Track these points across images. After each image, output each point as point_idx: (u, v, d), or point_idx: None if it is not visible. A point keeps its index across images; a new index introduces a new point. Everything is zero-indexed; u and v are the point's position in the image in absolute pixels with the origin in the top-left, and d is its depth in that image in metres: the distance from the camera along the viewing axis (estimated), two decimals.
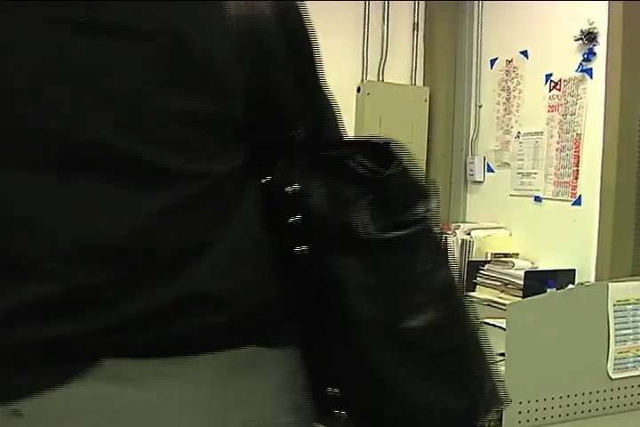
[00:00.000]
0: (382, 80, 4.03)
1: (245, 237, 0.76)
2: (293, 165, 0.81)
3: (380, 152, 0.83)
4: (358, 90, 3.96)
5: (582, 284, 2.97)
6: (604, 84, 3.18)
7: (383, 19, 4.05)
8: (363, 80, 3.99)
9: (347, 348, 0.78)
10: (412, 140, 3.93)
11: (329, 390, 0.79)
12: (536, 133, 3.55)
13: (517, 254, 3.58)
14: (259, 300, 0.75)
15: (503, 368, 1.56)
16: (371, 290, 0.77)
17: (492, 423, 1.54)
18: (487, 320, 2.76)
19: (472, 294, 3.40)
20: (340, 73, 3.96)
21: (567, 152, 3.36)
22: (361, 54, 4.01)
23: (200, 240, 0.71)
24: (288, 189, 0.79)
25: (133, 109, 0.67)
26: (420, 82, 4.17)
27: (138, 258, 0.67)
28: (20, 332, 0.62)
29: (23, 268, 0.63)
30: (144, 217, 0.67)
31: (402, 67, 4.12)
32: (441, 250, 0.86)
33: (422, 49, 4.18)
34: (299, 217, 0.78)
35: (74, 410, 0.64)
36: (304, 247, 0.78)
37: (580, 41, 3.25)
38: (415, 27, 4.15)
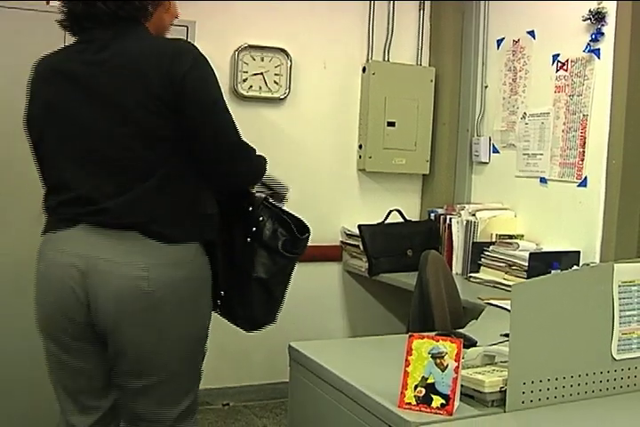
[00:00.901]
0: (388, 60, 4.01)
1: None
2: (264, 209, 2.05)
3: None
4: (364, 70, 3.94)
5: (587, 265, 2.96)
6: (611, 65, 3.15)
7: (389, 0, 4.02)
8: (368, 60, 3.97)
9: (240, 282, 2.02)
10: (417, 121, 3.91)
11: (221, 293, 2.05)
12: (542, 114, 3.52)
13: (522, 236, 3.58)
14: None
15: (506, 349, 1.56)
16: (265, 265, 2.02)
17: (494, 403, 1.55)
18: (491, 301, 2.78)
19: (476, 275, 3.40)
20: (345, 53, 3.95)
21: (573, 133, 3.34)
22: (367, 34, 3.99)
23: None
24: (261, 218, 2.02)
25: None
26: (425, 62, 4.15)
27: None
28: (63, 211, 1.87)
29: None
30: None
31: (408, 47, 4.09)
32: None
33: (428, 29, 4.16)
34: (254, 230, 2.01)
35: (69, 235, 1.85)
36: (249, 240, 2.01)
37: (588, 21, 3.23)
38: (421, 6, 4.12)
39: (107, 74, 1.81)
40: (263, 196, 2.05)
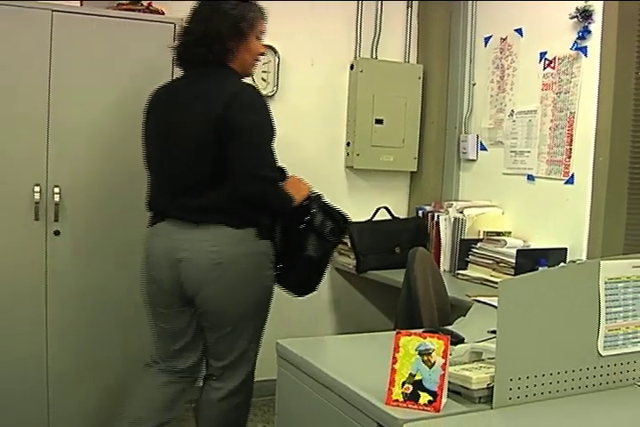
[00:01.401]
0: (376, 57, 4.01)
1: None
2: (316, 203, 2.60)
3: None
4: (352, 67, 3.94)
5: (574, 262, 2.97)
6: (598, 63, 3.17)
7: None
8: (356, 57, 3.97)
9: (294, 259, 2.55)
10: (405, 118, 3.92)
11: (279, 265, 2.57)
12: (530, 112, 3.54)
13: (510, 233, 3.59)
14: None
15: (493, 345, 1.57)
16: (313, 246, 2.52)
17: (482, 400, 1.56)
18: (479, 298, 2.79)
19: (464, 272, 3.41)
20: (333, 50, 3.95)
21: (560, 131, 3.35)
22: (354, 31, 3.99)
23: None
24: (313, 209, 2.56)
25: None
26: (413, 59, 4.15)
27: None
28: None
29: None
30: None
31: (395, 44, 4.09)
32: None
33: (416, 26, 4.16)
34: (307, 218, 2.54)
35: (161, 227, 2.51)
36: (303, 225, 2.54)
37: (576, 19, 3.24)
38: (409, 4, 4.12)
39: (183, 107, 2.45)
40: (316, 194, 2.63)
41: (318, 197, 2.63)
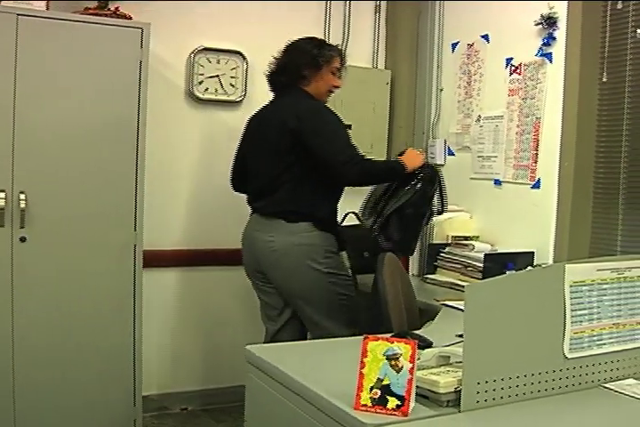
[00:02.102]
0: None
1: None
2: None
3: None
4: None
5: (540, 265, 3.00)
6: (563, 69, 3.21)
7: (345, 1, 4.03)
8: None
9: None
10: (373, 123, 3.93)
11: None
12: (496, 117, 3.57)
13: (477, 237, 3.62)
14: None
15: (461, 349, 1.58)
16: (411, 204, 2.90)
17: (449, 403, 1.56)
18: (447, 302, 2.80)
19: (432, 276, 3.43)
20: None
21: (527, 136, 3.39)
22: (323, 37, 3.98)
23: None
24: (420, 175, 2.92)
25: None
26: (381, 65, 4.18)
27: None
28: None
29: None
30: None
31: (364, 50, 4.12)
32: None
33: (384, 32, 4.18)
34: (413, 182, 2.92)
35: (250, 219, 3.12)
36: (408, 187, 2.93)
37: (541, 25, 3.28)
38: (377, 9, 4.15)
39: (266, 121, 3.03)
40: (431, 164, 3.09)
41: (431, 167, 3.01)
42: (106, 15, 3.13)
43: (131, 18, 3.22)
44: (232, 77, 3.76)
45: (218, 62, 3.73)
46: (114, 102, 3.05)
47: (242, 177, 3.19)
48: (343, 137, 2.84)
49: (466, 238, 3.55)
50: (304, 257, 2.89)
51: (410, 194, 2.90)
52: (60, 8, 3.10)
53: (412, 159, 2.93)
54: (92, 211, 3.04)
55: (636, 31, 2.95)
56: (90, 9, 3.13)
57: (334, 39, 3.99)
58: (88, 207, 3.04)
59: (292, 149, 2.86)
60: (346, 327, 2.95)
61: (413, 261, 3.65)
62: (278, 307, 3.12)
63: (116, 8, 3.19)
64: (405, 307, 2.66)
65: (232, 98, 3.76)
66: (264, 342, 3.11)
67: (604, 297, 1.82)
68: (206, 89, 3.71)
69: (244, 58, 3.76)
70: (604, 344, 1.81)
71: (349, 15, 4.05)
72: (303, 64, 2.97)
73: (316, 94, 3.01)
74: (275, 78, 3.07)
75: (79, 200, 3.03)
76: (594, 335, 1.80)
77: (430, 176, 2.93)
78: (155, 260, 3.50)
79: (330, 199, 3.02)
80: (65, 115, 2.99)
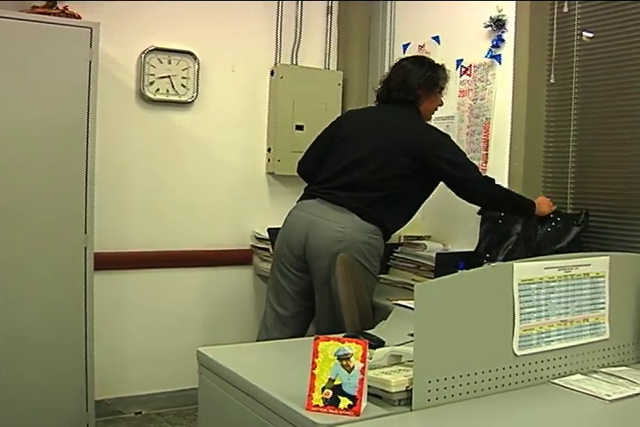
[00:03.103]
0: (296, 64, 4.03)
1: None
2: None
3: None
4: (272, 73, 3.95)
5: (489, 264, 3.04)
6: (511, 70, 3.26)
7: (297, 2, 4.04)
8: (276, 64, 3.98)
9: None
10: (325, 124, 3.93)
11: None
12: (447, 118, 3.60)
13: (429, 237, 3.65)
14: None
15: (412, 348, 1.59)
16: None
17: (401, 402, 1.57)
18: (400, 302, 2.81)
19: (385, 276, 3.45)
20: (253, 56, 3.95)
21: (477, 136, 3.43)
22: (275, 38, 4.00)
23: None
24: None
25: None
26: (333, 66, 4.19)
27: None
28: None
29: None
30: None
31: (315, 51, 4.12)
32: None
33: (336, 33, 4.19)
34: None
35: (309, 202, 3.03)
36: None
37: (490, 27, 3.32)
38: (329, 11, 4.16)
39: (385, 123, 3.03)
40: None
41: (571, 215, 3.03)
42: (54, 14, 3.08)
43: (80, 17, 3.18)
44: (183, 78, 3.73)
45: (169, 63, 3.70)
46: (63, 103, 3.01)
47: (318, 162, 3.15)
48: (465, 157, 3.00)
49: (418, 238, 3.58)
50: (363, 254, 2.91)
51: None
52: (6, 7, 3.04)
53: (544, 205, 3.00)
54: (41, 213, 3.00)
55: (582, 34, 3.00)
56: (37, 8, 3.09)
57: (286, 40, 4.01)
58: (37, 210, 2.99)
59: (409, 167, 2.93)
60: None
61: None
62: (295, 298, 3.07)
63: (65, 7, 3.15)
64: (358, 307, 2.67)
65: (183, 99, 3.74)
66: (266, 327, 3.12)
67: (552, 295, 1.85)
68: (157, 90, 3.68)
69: (196, 58, 3.74)
70: (553, 341, 1.85)
71: (301, 16, 4.05)
72: (418, 84, 3.02)
73: (425, 112, 3.10)
74: (390, 94, 3.08)
75: (27, 202, 2.98)
76: (542, 332, 1.83)
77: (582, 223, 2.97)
78: (107, 262, 3.46)
79: (404, 216, 3.12)
80: (12, 116, 2.93)
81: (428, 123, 3.14)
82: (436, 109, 3.17)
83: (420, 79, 3.03)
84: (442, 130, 3.12)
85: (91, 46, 3.03)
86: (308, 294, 3.03)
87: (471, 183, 2.94)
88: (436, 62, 3.14)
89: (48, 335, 3.04)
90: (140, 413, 3.76)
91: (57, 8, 3.13)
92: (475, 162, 3.37)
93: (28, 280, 3.00)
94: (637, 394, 1.75)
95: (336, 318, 2.61)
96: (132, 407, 3.74)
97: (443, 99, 3.16)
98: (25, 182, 2.97)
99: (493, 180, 3.00)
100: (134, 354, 3.74)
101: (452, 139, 3.07)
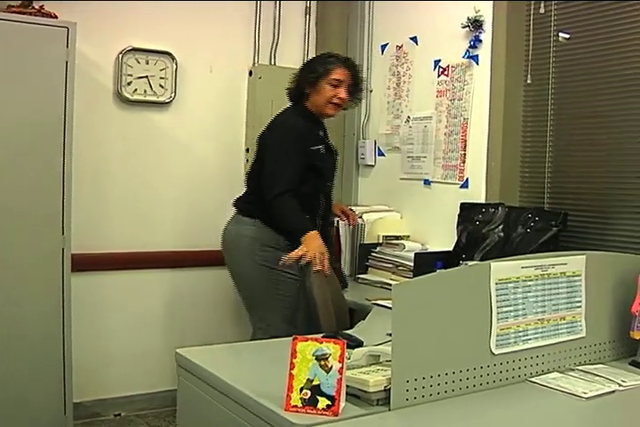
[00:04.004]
0: (274, 64, 4.02)
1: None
2: None
3: None
4: (250, 73, 3.94)
5: (466, 264, 3.05)
6: (489, 71, 3.27)
7: (275, 3, 4.03)
8: (254, 64, 3.97)
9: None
10: None
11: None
12: (425, 118, 3.62)
13: (408, 237, 3.66)
14: None
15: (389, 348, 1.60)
16: None
17: (380, 402, 1.58)
18: (379, 302, 2.83)
19: (364, 276, 3.46)
20: (231, 56, 3.94)
21: (455, 136, 3.44)
22: (253, 38, 3.99)
23: None
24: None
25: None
26: None
27: None
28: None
29: None
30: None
31: (294, 51, 4.12)
32: None
33: (314, 33, 4.19)
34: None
35: None
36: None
37: (467, 28, 3.33)
38: (307, 11, 4.15)
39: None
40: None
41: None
42: (30, 14, 3.05)
43: (56, 17, 3.15)
44: (161, 78, 3.71)
45: (147, 63, 3.68)
46: (39, 104, 2.98)
47: None
48: (281, 164, 2.96)
49: (397, 238, 3.59)
50: (244, 247, 3.04)
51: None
52: None
53: (312, 243, 2.83)
54: (18, 214, 2.97)
55: (558, 34, 3.02)
56: (13, 7, 3.06)
57: (264, 40, 4.00)
58: (14, 211, 2.96)
59: (258, 156, 3.11)
60: (285, 323, 2.96)
61: (345, 262, 3.67)
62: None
63: (41, 6, 3.12)
64: (335, 308, 2.68)
65: (161, 99, 3.72)
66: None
67: (529, 294, 1.87)
68: (135, 90, 3.66)
69: (174, 58, 3.73)
70: (530, 340, 1.87)
71: (279, 16, 4.05)
72: (303, 82, 3.15)
73: (316, 109, 3.14)
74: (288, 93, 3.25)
75: (4, 203, 2.95)
76: (519, 331, 1.84)
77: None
78: (86, 263, 3.44)
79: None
80: None
81: (289, 115, 3.14)
82: (335, 103, 3.12)
83: (299, 78, 3.17)
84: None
85: (67, 46, 3.01)
86: None
87: (267, 194, 2.94)
88: (333, 54, 3.25)
89: (25, 338, 3.01)
90: (120, 415, 3.74)
91: (33, 7, 3.10)
92: (452, 162, 3.41)
93: (3, 282, 2.97)
94: (613, 391, 1.77)
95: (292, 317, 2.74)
96: (110, 409, 3.72)
97: (331, 85, 3.09)
98: (1, 183, 2.94)
99: (284, 194, 2.91)
100: (113, 356, 3.71)
101: (289, 140, 3.00)
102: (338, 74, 3.12)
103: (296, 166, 2.97)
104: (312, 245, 2.80)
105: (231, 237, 3.11)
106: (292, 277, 2.96)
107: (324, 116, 3.19)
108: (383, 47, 3.95)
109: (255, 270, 3.01)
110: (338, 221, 3.65)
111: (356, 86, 3.20)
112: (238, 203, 3.18)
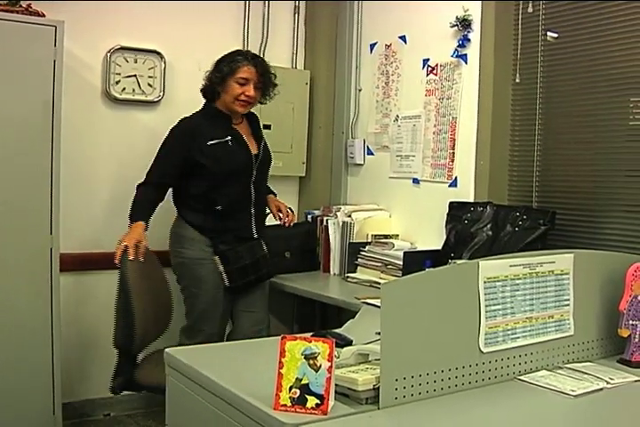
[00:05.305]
0: None
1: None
2: None
3: None
4: None
5: (455, 262, 3.06)
6: (477, 70, 3.28)
7: (264, 2, 4.03)
8: None
9: None
10: (292, 124, 3.95)
11: None
12: (414, 117, 3.62)
13: (397, 235, 3.67)
14: None
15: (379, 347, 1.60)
16: None
17: (369, 401, 1.58)
18: (368, 300, 2.83)
19: (353, 275, 3.46)
20: (220, 55, 3.91)
21: (443, 135, 3.45)
22: (242, 36, 3.98)
23: None
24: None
25: None
26: (300, 65, 4.18)
27: None
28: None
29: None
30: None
31: (283, 50, 4.12)
32: None
33: (303, 32, 4.19)
34: None
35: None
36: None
37: (456, 27, 3.34)
38: (296, 10, 4.15)
39: None
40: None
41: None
42: (17, 12, 3.03)
43: (44, 15, 3.13)
44: (150, 77, 3.70)
45: (135, 62, 3.67)
46: (27, 103, 2.97)
47: None
48: (156, 160, 3.17)
49: (386, 237, 3.60)
50: (173, 244, 3.24)
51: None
52: None
53: (132, 232, 3.02)
54: (5, 214, 2.95)
55: (546, 34, 3.03)
56: (0, 6, 3.04)
57: (253, 39, 4.00)
58: (1, 210, 2.95)
59: None
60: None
61: (334, 261, 3.67)
62: None
63: (28, 5, 3.10)
64: (152, 297, 2.85)
65: (150, 98, 3.71)
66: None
67: (517, 292, 1.87)
68: (123, 89, 3.65)
69: (162, 57, 3.72)
70: (518, 338, 1.87)
71: (268, 15, 4.04)
72: (214, 82, 3.21)
73: (225, 107, 3.21)
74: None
75: None
76: (508, 329, 1.85)
77: None
78: (73, 263, 3.42)
79: (190, 201, 3.20)
80: None
81: (188, 115, 3.26)
82: (238, 99, 3.17)
83: (209, 77, 3.23)
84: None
85: (55, 45, 2.99)
86: None
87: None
88: (239, 51, 3.30)
89: (14, 338, 3.00)
90: (109, 415, 3.73)
91: (20, 6, 3.08)
92: (441, 161, 3.42)
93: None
94: (601, 389, 1.78)
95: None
96: (100, 410, 3.71)
97: (238, 84, 3.15)
98: None
99: (142, 185, 3.17)
100: (102, 356, 3.70)
101: (174, 135, 3.19)
102: (244, 72, 3.16)
103: (165, 162, 3.15)
104: (129, 235, 2.97)
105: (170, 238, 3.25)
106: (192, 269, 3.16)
107: (235, 113, 3.23)
108: (372, 46, 3.96)
109: (177, 266, 3.21)
110: (327, 220, 3.65)
111: (264, 83, 3.23)
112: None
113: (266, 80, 3.23)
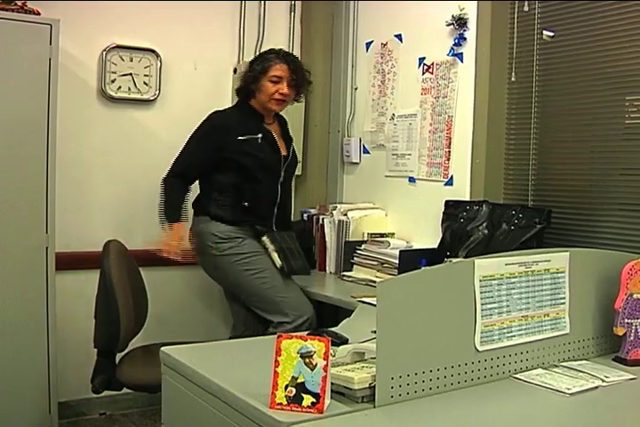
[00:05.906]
0: None
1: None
2: None
3: None
4: (235, 71, 3.93)
5: (451, 261, 3.06)
6: (473, 68, 3.28)
7: (260, 1, 4.03)
8: (239, 61, 3.96)
9: None
10: (289, 122, 3.93)
11: None
12: (410, 116, 3.62)
13: (393, 234, 3.67)
14: None
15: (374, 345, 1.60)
16: None
17: (365, 399, 1.58)
18: (364, 299, 2.83)
19: (349, 273, 3.46)
20: (216, 54, 3.93)
21: (439, 134, 3.45)
22: (238, 35, 3.98)
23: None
24: None
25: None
26: None
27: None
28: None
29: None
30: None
31: (279, 48, 4.10)
32: None
33: (299, 31, 4.19)
34: None
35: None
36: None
37: (452, 26, 3.34)
38: (292, 9, 4.15)
39: None
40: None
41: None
42: (12, 10, 3.03)
43: (39, 13, 3.13)
44: (145, 76, 3.70)
45: (131, 60, 3.66)
46: (22, 102, 2.96)
47: None
48: (184, 151, 3.22)
49: (381, 235, 3.60)
50: (200, 243, 3.20)
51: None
52: None
53: (168, 236, 3.15)
54: (1, 213, 2.95)
55: (542, 33, 3.03)
56: None
57: (249, 38, 4.00)
58: None
59: None
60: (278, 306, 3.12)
61: (330, 259, 3.67)
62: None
63: (24, 3, 3.10)
64: (135, 301, 2.85)
65: (145, 97, 3.71)
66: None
67: (513, 290, 1.88)
68: (119, 87, 3.64)
69: (158, 56, 3.71)
70: (514, 336, 1.87)
71: (264, 14, 4.04)
72: (247, 82, 3.25)
73: (260, 106, 3.25)
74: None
75: None
76: (504, 328, 1.85)
77: None
78: (69, 262, 3.42)
79: (217, 196, 3.21)
80: None
81: (220, 109, 3.32)
82: (273, 98, 3.20)
83: (243, 77, 3.28)
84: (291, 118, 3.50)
85: (50, 43, 2.99)
86: None
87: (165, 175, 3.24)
88: (271, 50, 3.32)
89: (9, 337, 3.00)
90: (105, 414, 3.73)
91: (15, 4, 3.07)
92: (437, 159, 3.42)
93: None
94: (596, 387, 1.78)
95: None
96: (96, 408, 3.70)
97: (272, 82, 3.18)
98: None
99: (172, 177, 3.21)
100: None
101: (205, 128, 3.21)
102: (276, 70, 3.19)
103: (195, 155, 3.19)
104: (172, 236, 3.11)
105: (193, 238, 3.20)
106: (255, 255, 3.14)
107: (270, 111, 3.28)
108: (368, 45, 3.95)
109: (220, 263, 3.16)
110: (323, 219, 3.65)
111: (297, 80, 3.24)
112: (193, 204, 3.30)
113: (299, 77, 3.25)
